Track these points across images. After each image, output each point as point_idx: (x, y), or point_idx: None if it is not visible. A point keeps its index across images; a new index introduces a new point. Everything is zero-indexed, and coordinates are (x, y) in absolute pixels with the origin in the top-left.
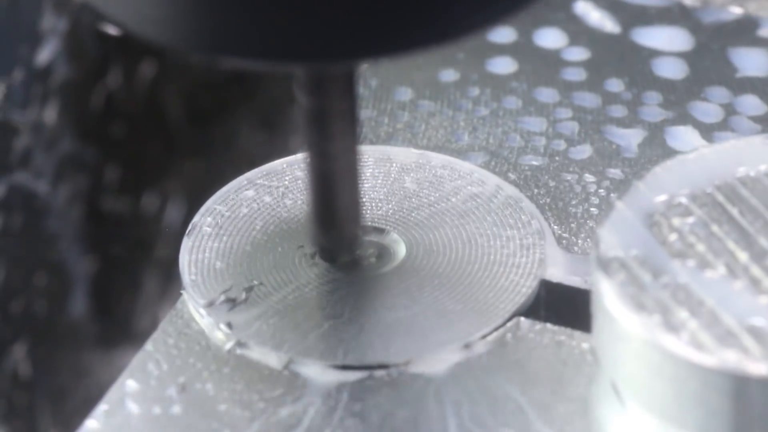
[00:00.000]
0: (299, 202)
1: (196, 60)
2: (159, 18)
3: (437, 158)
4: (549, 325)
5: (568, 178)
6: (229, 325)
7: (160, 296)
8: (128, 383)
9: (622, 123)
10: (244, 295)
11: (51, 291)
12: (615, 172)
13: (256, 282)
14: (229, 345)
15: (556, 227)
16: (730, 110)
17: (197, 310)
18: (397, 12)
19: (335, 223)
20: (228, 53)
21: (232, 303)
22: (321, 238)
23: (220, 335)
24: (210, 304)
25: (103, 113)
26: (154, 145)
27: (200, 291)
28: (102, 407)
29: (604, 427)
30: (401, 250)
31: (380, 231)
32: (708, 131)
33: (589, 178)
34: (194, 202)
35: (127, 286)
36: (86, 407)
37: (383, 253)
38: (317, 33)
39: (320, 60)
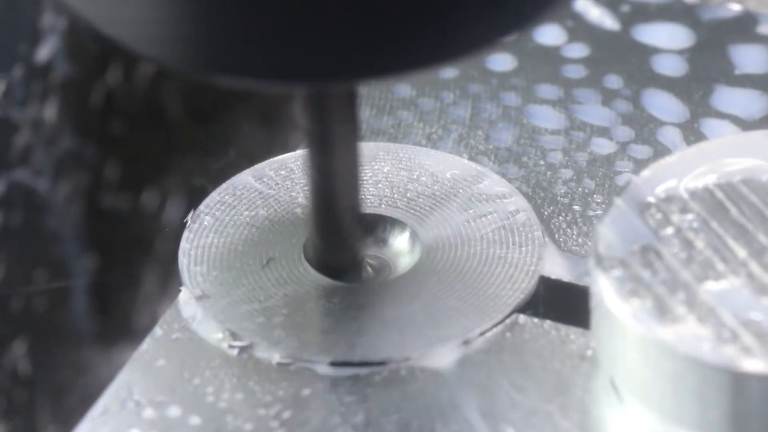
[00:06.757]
0: (303, 196)
1: (194, 78)
2: (157, 36)
3: (435, 155)
4: (548, 322)
5: (568, 174)
6: (228, 323)
7: (159, 294)
8: (127, 379)
9: (621, 119)
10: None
11: (51, 288)
12: (616, 169)
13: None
14: (227, 343)
15: (554, 224)
16: (729, 107)
17: (196, 305)
18: (397, 31)
19: (338, 240)
20: (227, 73)
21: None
22: (324, 254)
23: (218, 332)
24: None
25: (102, 110)
26: (153, 142)
27: (199, 286)
28: (101, 404)
29: (602, 424)
30: (401, 252)
31: (380, 226)
32: (707, 128)
33: (588, 174)
34: (194, 199)
35: (127, 283)
36: (85, 404)
37: (383, 264)
38: (317, 53)
39: (320, 80)
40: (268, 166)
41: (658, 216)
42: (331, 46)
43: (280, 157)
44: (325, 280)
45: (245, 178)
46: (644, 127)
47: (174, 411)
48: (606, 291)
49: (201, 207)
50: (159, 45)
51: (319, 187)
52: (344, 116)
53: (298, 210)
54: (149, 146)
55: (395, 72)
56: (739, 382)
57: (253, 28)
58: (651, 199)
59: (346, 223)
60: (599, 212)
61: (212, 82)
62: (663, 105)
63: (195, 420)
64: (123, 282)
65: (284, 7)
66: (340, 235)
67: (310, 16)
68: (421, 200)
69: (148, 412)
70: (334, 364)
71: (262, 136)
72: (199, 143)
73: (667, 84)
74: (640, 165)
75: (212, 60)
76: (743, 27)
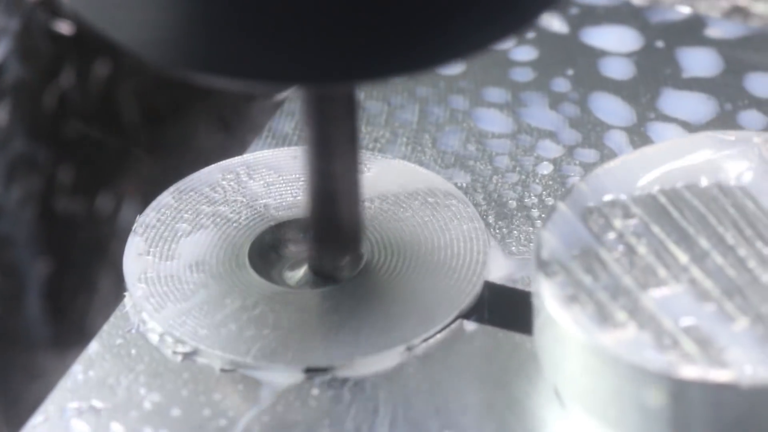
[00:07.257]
0: (252, 200)
1: (191, 78)
2: (154, 36)
3: (379, 159)
4: (492, 328)
5: (514, 179)
6: (172, 329)
7: (114, 298)
8: (69, 386)
9: (569, 123)
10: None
11: (4, 293)
12: (563, 173)
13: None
14: (171, 349)
15: (500, 228)
16: (676, 110)
17: (139, 311)
18: (398, 32)
19: (337, 244)
20: (226, 74)
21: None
22: (322, 257)
23: (162, 338)
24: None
25: (56, 113)
26: (108, 145)
27: (143, 291)
28: (41, 412)
29: (545, 430)
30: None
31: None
32: (654, 132)
33: (535, 180)
34: (149, 202)
35: (81, 287)
36: None
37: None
38: (317, 54)
39: (320, 81)
40: (215, 170)
41: (601, 221)
42: (331, 47)
43: (227, 161)
44: (270, 286)
45: (192, 181)
46: (591, 131)
47: (115, 418)
48: (547, 296)
49: (147, 210)
50: (156, 45)
51: (318, 190)
52: (344, 118)
53: (243, 213)
54: (104, 149)
55: (396, 73)
56: (679, 389)
57: (253, 29)
58: (593, 204)
59: (346, 226)
60: (544, 217)
61: (211, 83)
62: (610, 108)
63: (136, 426)
64: (77, 286)
65: (284, 8)
66: (339, 239)
67: (311, 17)
68: (366, 205)
69: (89, 419)
70: (277, 371)
71: (218, 139)
72: (154, 146)
73: (615, 87)
74: (586, 169)
75: (211, 60)
76: (692, 30)
